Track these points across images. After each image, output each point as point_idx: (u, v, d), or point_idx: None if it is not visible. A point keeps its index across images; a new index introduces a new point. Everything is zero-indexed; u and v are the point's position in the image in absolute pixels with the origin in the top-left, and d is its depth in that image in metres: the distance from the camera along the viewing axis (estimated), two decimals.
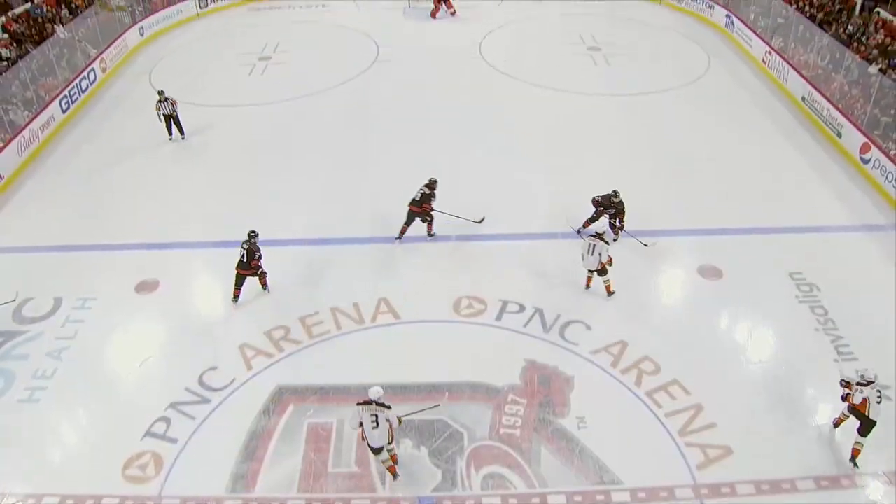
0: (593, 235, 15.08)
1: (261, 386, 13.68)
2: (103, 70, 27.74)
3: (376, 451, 11.57)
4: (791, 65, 24.59)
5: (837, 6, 26.06)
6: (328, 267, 16.79)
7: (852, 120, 20.81)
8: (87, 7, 30.06)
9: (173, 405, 13.37)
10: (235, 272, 15.56)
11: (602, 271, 15.18)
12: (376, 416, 11.30)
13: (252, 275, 15.63)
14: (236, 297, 15.76)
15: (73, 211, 19.85)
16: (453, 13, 32.56)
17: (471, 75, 26.46)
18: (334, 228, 18.12)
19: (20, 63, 24.16)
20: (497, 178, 20.00)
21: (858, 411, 11.61)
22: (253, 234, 15.49)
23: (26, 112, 23.05)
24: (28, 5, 29.03)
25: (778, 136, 22.15)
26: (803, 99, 23.45)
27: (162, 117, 22.39)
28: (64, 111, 24.45)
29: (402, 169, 20.33)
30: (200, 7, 34.33)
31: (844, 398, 11.78)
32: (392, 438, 11.63)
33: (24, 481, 12.25)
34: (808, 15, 25.94)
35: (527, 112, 23.63)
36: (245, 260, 15.44)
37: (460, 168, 20.36)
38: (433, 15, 32.60)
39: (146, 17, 31.86)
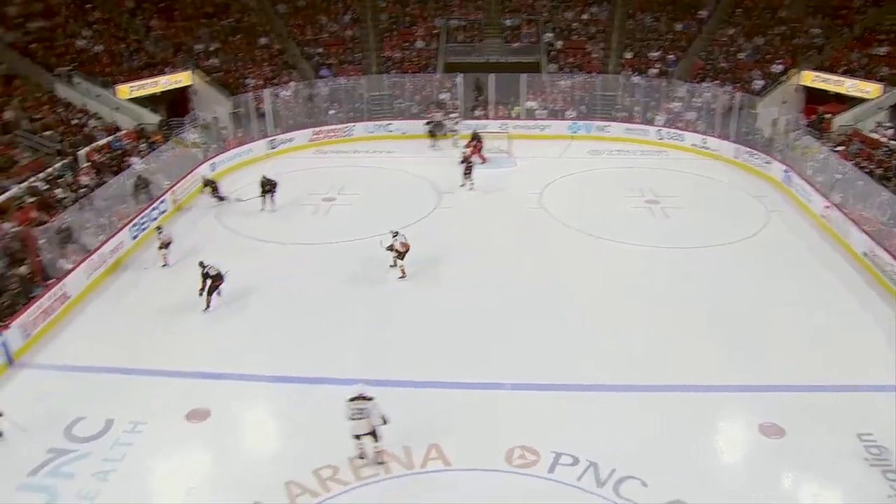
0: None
1: None
2: (174, 202, 28.69)
3: None
4: (852, 220, 24.25)
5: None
6: (383, 408, 16.40)
7: None
8: (164, 142, 31.57)
9: None
10: None
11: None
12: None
13: None
14: None
15: (133, 335, 20.00)
16: (483, 161, 33.22)
17: (530, 225, 26.59)
18: (388, 370, 17.82)
19: (97, 191, 25.22)
20: (551, 326, 19.71)
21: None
22: None
23: (100, 236, 23.85)
24: (110, 138, 30.57)
25: (841, 293, 21.56)
26: (865, 255, 22.97)
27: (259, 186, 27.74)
28: (133, 238, 25.16)
29: (457, 315, 20.29)
30: (270, 148, 35.66)
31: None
32: None
33: None
34: (866, 171, 25.92)
35: (584, 262, 23.51)
36: None
37: (514, 315, 20.25)
38: (478, 156, 33.35)
39: (218, 154, 33.23)
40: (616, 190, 29.96)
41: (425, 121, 37.28)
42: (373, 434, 14.33)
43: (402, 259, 22.26)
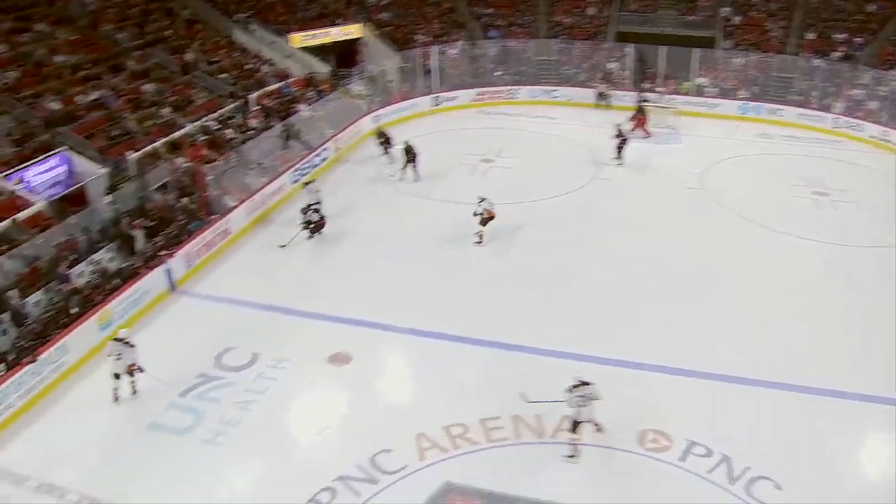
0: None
1: (429, 478, 13.37)
2: (336, 150, 29.39)
3: None
4: None
5: None
6: (517, 374, 16.31)
7: None
8: (332, 91, 32.35)
9: (342, 478, 13.35)
10: None
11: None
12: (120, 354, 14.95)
13: None
14: None
15: (285, 275, 20.91)
16: (647, 136, 32.05)
17: (687, 205, 25.58)
18: (528, 337, 17.67)
19: (264, 134, 26.19)
20: (698, 311, 19.00)
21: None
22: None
23: (263, 178, 24.84)
24: (280, 84, 31.59)
25: None
26: None
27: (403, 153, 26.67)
28: (294, 182, 25.96)
29: (602, 290, 19.91)
30: (434, 105, 35.89)
31: None
32: None
33: None
34: None
35: (739, 249, 22.37)
36: None
37: (662, 295, 19.64)
38: (642, 129, 32.47)
39: (382, 107, 33.74)
40: (782, 177, 28.26)
41: (636, 92, 35.72)
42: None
43: (483, 226, 22.10)
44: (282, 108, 29.79)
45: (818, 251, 22.32)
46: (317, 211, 22.32)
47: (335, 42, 37.57)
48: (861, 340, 17.80)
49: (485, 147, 30.57)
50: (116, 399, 15.53)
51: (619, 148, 28.96)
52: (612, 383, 15.88)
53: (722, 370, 16.53)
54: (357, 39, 38.42)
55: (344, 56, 38.20)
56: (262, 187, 24.40)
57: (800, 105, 35.08)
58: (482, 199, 22.03)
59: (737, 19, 40.29)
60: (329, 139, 29.13)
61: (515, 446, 14.31)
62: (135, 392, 15.70)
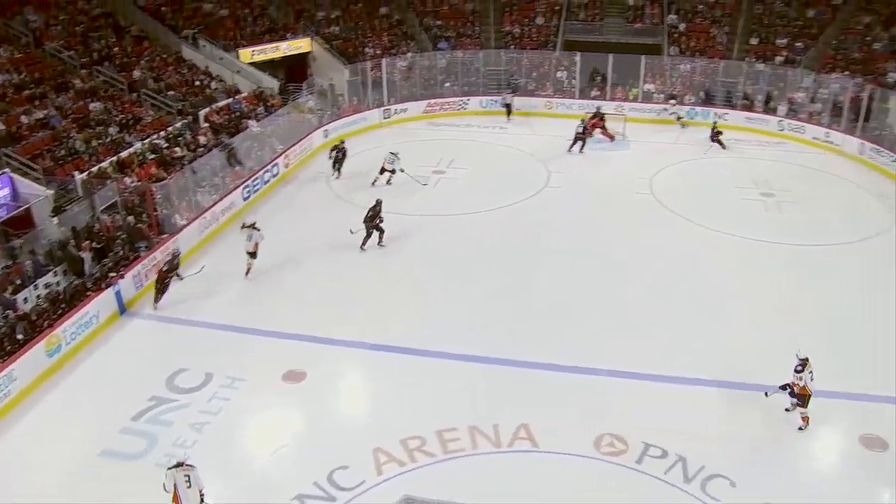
0: None
1: (388, 493, 13.23)
2: (286, 166, 29.21)
3: None
4: None
5: None
6: (474, 384, 16.45)
7: None
8: (281, 106, 32.21)
9: (299, 497, 13.23)
10: None
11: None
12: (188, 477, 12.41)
13: None
14: None
15: (238, 294, 20.68)
16: (611, 140, 32.71)
17: (637, 210, 25.86)
18: (482, 346, 17.76)
19: (214, 151, 25.96)
20: (649, 315, 19.21)
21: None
22: None
23: (213, 196, 24.60)
24: (230, 100, 31.40)
25: None
26: None
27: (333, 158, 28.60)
28: (245, 199, 25.78)
29: (554, 297, 20.07)
30: (384, 117, 35.90)
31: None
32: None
33: None
34: None
35: (688, 252, 22.71)
36: None
37: (615, 301, 19.86)
38: (603, 133, 32.92)
39: (333, 121, 33.66)
40: (730, 180, 28.73)
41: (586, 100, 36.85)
42: None
43: (381, 174, 27.28)
44: (231, 125, 29.62)
45: (766, 251, 22.78)
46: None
47: (284, 56, 37.52)
48: (813, 337, 17.75)
49: (436, 158, 30.64)
50: None
51: (576, 142, 31.17)
52: (566, 390, 16.23)
53: (675, 372, 16.75)
54: (306, 54, 38.41)
55: (293, 70, 38.13)
56: (213, 205, 24.15)
57: (745, 109, 35.76)
58: (394, 154, 27.20)
59: (682, 26, 40.94)
60: (279, 155, 28.94)
61: (472, 457, 14.29)
62: None
